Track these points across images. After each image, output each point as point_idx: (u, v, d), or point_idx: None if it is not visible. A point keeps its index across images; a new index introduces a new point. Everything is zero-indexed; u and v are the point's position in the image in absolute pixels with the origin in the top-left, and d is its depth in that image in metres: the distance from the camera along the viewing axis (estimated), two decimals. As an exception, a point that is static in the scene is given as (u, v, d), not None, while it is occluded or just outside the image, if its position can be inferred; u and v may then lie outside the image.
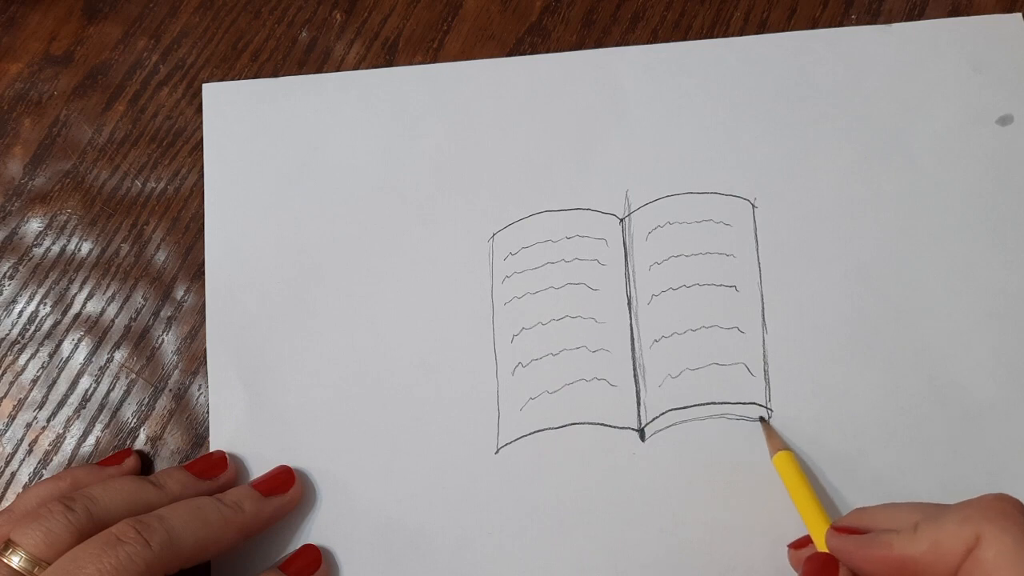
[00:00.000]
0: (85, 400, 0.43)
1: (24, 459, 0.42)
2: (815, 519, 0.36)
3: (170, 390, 0.43)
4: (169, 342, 0.43)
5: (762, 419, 0.41)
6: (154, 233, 0.45)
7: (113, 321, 0.44)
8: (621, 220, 0.43)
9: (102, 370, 0.43)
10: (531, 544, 0.40)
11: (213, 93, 0.46)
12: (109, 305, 0.44)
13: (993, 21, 0.45)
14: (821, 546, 0.35)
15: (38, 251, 0.45)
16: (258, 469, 0.41)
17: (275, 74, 0.46)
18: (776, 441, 0.39)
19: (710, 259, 0.43)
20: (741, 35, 0.46)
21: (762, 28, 0.46)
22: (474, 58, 0.46)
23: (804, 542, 0.37)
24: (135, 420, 0.42)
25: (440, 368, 0.42)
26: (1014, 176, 0.43)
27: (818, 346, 0.41)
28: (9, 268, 0.44)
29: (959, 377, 0.41)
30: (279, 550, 0.40)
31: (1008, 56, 0.45)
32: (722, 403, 0.41)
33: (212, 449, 0.41)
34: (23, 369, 0.43)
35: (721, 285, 0.42)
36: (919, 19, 0.46)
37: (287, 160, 0.45)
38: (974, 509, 0.30)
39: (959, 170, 0.43)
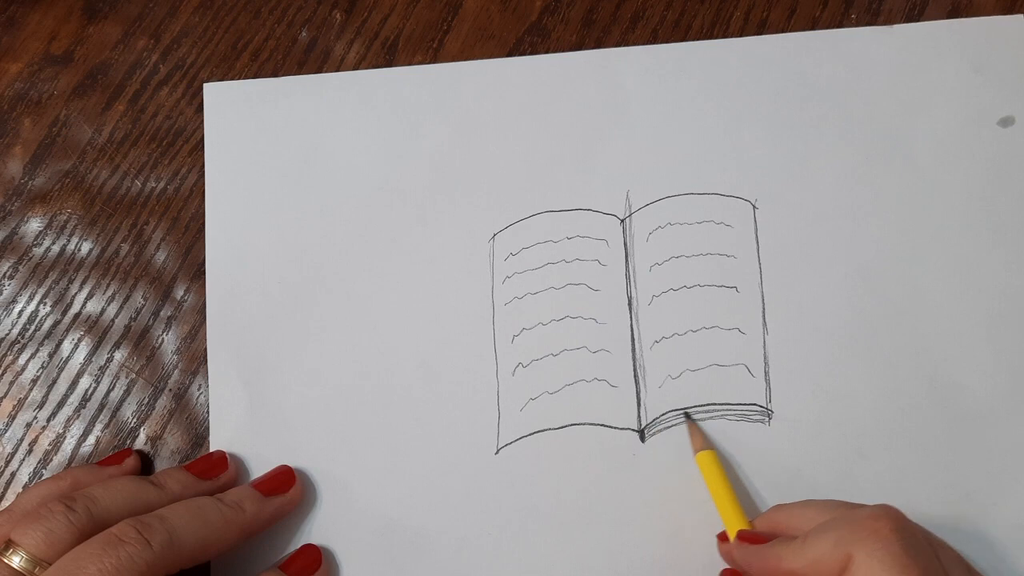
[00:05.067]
0: (85, 400, 0.43)
1: (24, 459, 0.42)
2: (732, 519, 0.37)
3: (170, 390, 0.43)
4: (169, 342, 0.43)
5: (687, 416, 0.41)
6: (154, 233, 0.45)
7: (113, 321, 0.44)
8: (622, 221, 0.43)
9: (102, 370, 0.43)
10: (531, 544, 0.40)
11: (214, 93, 0.46)
12: (109, 305, 0.44)
13: (994, 22, 0.45)
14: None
15: (38, 251, 0.45)
16: (258, 469, 0.41)
17: (275, 74, 0.46)
18: (699, 440, 0.40)
19: (711, 260, 0.43)
20: (741, 35, 0.46)
21: (762, 28, 0.46)
22: (474, 58, 0.46)
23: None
24: (135, 420, 0.42)
25: (440, 368, 0.42)
26: (1015, 178, 0.43)
27: (819, 347, 0.41)
28: (9, 268, 0.44)
29: (959, 378, 0.41)
30: (279, 550, 0.40)
31: (1009, 57, 0.45)
32: (723, 404, 0.41)
33: (212, 449, 0.41)
34: (23, 369, 0.43)
35: (722, 286, 0.42)
36: (919, 19, 0.46)
37: (287, 160, 0.45)
38: (849, 529, 0.32)
39: (960, 171, 0.43)
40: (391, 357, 0.42)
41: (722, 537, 0.38)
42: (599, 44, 0.46)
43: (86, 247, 0.45)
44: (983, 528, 0.39)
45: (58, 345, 0.43)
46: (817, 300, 0.42)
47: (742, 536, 0.36)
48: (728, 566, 0.38)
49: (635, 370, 0.41)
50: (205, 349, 0.43)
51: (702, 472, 0.39)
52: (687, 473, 0.40)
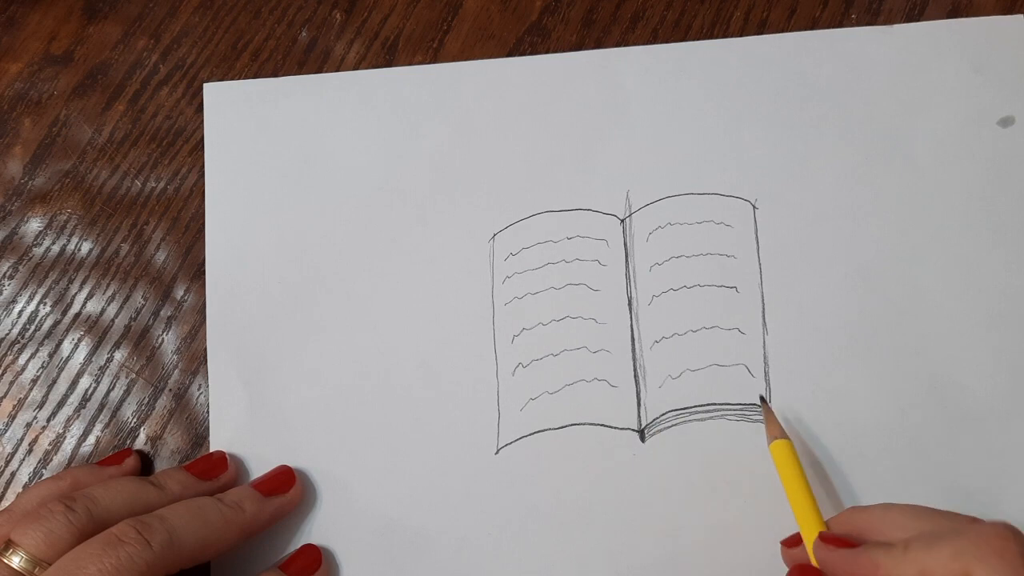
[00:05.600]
0: (85, 400, 0.43)
1: (24, 459, 0.42)
2: (807, 516, 0.35)
3: (170, 390, 0.43)
4: (169, 342, 0.43)
5: (762, 399, 0.40)
6: (154, 233, 0.45)
7: (113, 321, 0.44)
8: (622, 221, 0.43)
9: (102, 370, 0.43)
10: (531, 544, 0.40)
11: (214, 93, 0.46)
12: (109, 305, 0.44)
13: (994, 22, 0.45)
14: (811, 544, 0.34)
15: (38, 251, 0.45)
16: (258, 469, 0.41)
17: (275, 74, 0.46)
18: (775, 427, 0.38)
19: (711, 260, 0.43)
20: (741, 35, 0.46)
21: (762, 28, 0.46)
22: (474, 58, 0.46)
23: (797, 540, 0.36)
24: (135, 420, 0.42)
25: (440, 368, 0.42)
26: (1015, 178, 0.43)
27: (819, 347, 0.41)
28: (9, 268, 0.44)
29: (960, 378, 0.41)
30: (279, 550, 0.40)
31: (1009, 57, 0.45)
32: (723, 404, 0.41)
33: (212, 449, 0.41)
34: (23, 369, 0.43)
35: (722, 286, 0.42)
36: (919, 19, 0.46)
37: (287, 160, 0.45)
38: (969, 542, 0.29)
39: (960, 171, 0.43)
40: (391, 357, 0.42)
41: (787, 543, 0.36)
42: (599, 44, 0.46)
43: (86, 247, 0.45)
44: (983, 528, 0.39)
45: (58, 345, 0.43)
46: (817, 300, 0.42)
47: (826, 538, 0.33)
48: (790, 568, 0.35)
49: (635, 370, 0.41)
50: (205, 349, 0.43)
51: (776, 464, 0.37)
52: (687, 473, 0.40)
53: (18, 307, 0.44)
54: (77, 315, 0.44)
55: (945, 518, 0.32)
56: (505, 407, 0.41)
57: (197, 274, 0.44)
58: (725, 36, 0.46)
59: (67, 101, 0.47)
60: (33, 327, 0.44)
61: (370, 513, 0.40)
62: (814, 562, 0.34)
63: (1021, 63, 0.45)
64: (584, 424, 0.41)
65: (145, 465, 0.42)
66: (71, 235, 0.45)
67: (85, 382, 0.43)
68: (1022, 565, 0.28)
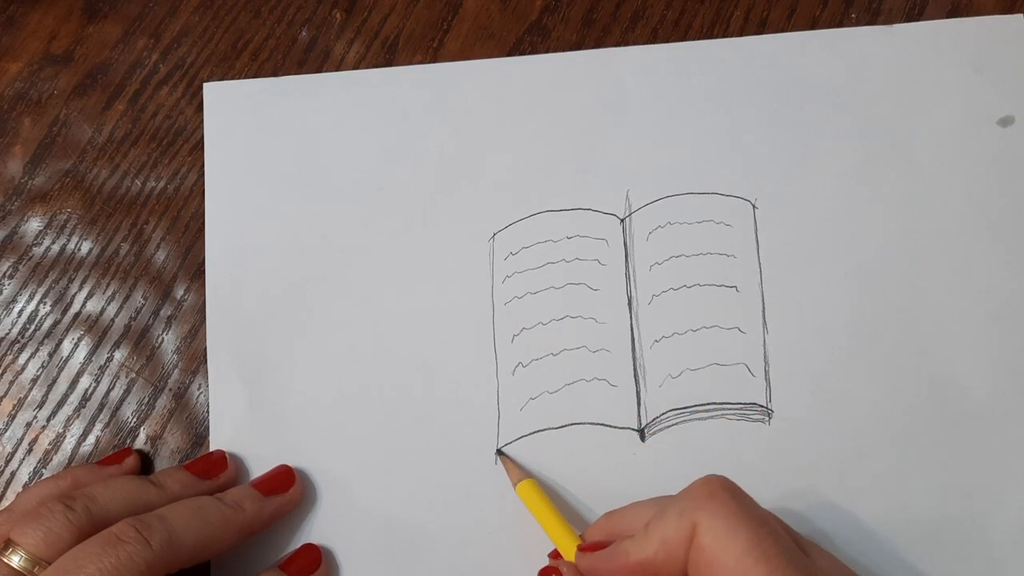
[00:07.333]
0: (85, 399, 0.43)
1: (24, 458, 0.42)
2: (566, 539, 0.37)
3: (170, 389, 0.43)
4: (169, 341, 0.43)
5: (499, 452, 0.41)
6: (154, 232, 0.45)
7: (113, 320, 0.44)
8: (622, 220, 0.43)
9: (102, 369, 0.43)
10: (531, 544, 0.40)
11: (214, 92, 0.46)
12: (109, 304, 0.44)
13: (994, 22, 0.45)
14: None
15: (38, 250, 0.45)
16: (258, 469, 0.41)
17: (275, 73, 0.46)
18: (515, 472, 0.40)
19: (711, 259, 0.43)
20: (741, 34, 0.46)
21: (762, 27, 0.46)
22: (474, 57, 0.46)
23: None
24: (135, 419, 0.42)
25: (440, 368, 0.42)
26: (1015, 177, 0.43)
27: (819, 347, 0.41)
28: (9, 267, 0.44)
29: (960, 378, 0.41)
30: (279, 550, 0.40)
31: (1009, 57, 0.45)
32: (723, 403, 0.41)
33: (212, 449, 0.41)
34: (23, 368, 0.43)
35: (722, 285, 0.42)
36: (919, 18, 0.46)
37: (287, 160, 0.45)
38: (687, 499, 0.32)
39: (960, 171, 0.43)
40: (391, 357, 0.42)
41: (554, 556, 0.38)
42: (599, 44, 0.46)
43: (86, 247, 0.45)
44: (983, 528, 0.39)
45: (58, 345, 0.43)
46: (817, 300, 0.42)
47: (583, 547, 0.36)
48: None
49: (635, 369, 0.41)
50: (205, 349, 0.43)
51: (526, 503, 0.39)
52: (688, 473, 0.40)
53: (18, 307, 0.44)
54: (77, 315, 0.44)
55: (676, 495, 0.34)
56: (505, 407, 0.41)
57: (197, 274, 0.44)
58: (725, 36, 0.46)
59: (67, 101, 0.47)
60: (33, 327, 0.44)
61: (370, 513, 0.40)
62: None
63: (1021, 63, 0.45)
64: (584, 424, 0.41)
65: (145, 465, 0.42)
66: (71, 235, 0.45)
67: (85, 382, 0.43)
68: (731, 499, 0.32)
